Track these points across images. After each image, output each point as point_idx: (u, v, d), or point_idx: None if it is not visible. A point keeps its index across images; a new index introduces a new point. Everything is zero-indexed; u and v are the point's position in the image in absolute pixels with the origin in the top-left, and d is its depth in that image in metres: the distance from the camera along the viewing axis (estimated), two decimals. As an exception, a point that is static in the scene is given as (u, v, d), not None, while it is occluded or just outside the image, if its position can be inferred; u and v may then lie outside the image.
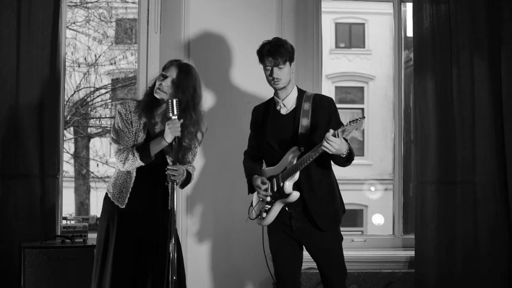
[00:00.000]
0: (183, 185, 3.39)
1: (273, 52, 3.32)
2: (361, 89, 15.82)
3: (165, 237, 3.14)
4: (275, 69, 3.33)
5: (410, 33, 4.42)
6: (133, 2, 12.03)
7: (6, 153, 3.91)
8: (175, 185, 3.13)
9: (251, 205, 3.53)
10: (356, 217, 14.66)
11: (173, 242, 3.04)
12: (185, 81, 3.24)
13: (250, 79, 4.21)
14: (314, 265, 3.55)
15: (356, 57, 15.68)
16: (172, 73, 3.25)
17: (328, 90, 14.14)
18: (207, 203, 4.23)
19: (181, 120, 3.17)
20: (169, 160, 3.28)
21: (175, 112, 3.13)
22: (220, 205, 4.22)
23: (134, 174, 3.29)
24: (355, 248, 4.33)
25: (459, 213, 4.18)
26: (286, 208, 3.36)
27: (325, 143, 3.10)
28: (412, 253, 4.25)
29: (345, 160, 3.26)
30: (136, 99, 3.44)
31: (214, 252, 4.22)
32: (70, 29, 11.52)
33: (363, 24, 15.76)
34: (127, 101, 3.36)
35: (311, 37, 4.27)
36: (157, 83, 3.26)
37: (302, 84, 4.19)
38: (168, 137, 3.16)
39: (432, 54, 4.22)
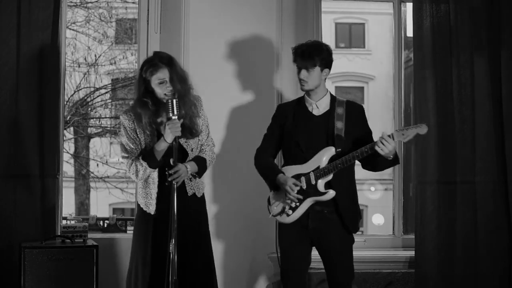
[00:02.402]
0: (200, 173, 3.37)
1: (304, 55, 3.36)
2: (361, 89, 15.83)
3: (200, 232, 3.35)
4: (303, 71, 3.37)
5: (410, 33, 4.41)
6: (133, 2, 12.03)
7: (6, 153, 3.90)
8: (175, 185, 3.13)
9: (269, 202, 3.51)
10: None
11: (173, 242, 3.03)
12: (176, 72, 3.28)
13: (250, 79, 4.21)
14: (315, 265, 3.54)
15: (356, 57, 15.69)
16: (165, 74, 3.25)
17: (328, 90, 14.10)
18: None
19: (181, 120, 3.18)
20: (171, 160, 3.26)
21: (175, 112, 3.14)
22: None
23: (156, 180, 3.31)
24: (355, 248, 4.29)
25: (459, 213, 4.17)
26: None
27: (380, 144, 3.21)
28: (412, 253, 4.24)
29: (391, 162, 3.34)
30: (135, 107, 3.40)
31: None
32: (70, 29, 11.52)
33: (363, 24, 15.77)
34: (129, 110, 3.37)
35: (311, 37, 4.26)
36: (161, 91, 3.24)
37: (302, 84, 4.20)
38: (169, 137, 3.16)
39: (432, 54, 4.22)
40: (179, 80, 3.28)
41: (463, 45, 4.20)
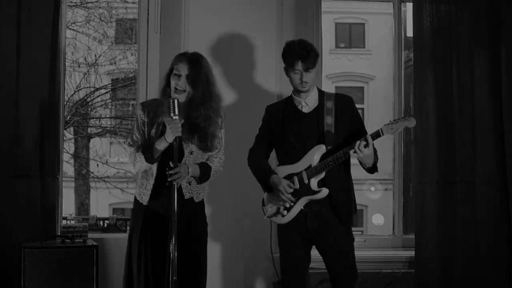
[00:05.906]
0: (201, 180, 3.34)
1: (305, 57, 3.32)
2: (361, 89, 15.83)
3: (190, 231, 3.27)
4: (305, 73, 3.34)
5: (410, 33, 4.41)
6: (133, 2, 12.03)
7: (6, 153, 3.90)
8: (175, 185, 3.12)
9: (263, 203, 3.50)
10: (356, 217, 14.65)
11: (173, 242, 3.03)
12: (198, 74, 3.27)
13: (250, 79, 4.21)
14: (315, 265, 3.54)
15: (356, 57, 15.68)
16: (184, 70, 3.26)
17: (328, 90, 14.10)
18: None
19: (182, 120, 3.17)
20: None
21: (176, 112, 3.13)
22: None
23: (155, 172, 3.30)
24: (355, 248, 4.32)
25: (459, 213, 4.17)
26: (302, 207, 3.37)
27: (355, 148, 3.20)
28: (412, 253, 4.24)
29: (369, 170, 3.35)
30: (156, 98, 3.44)
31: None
32: (70, 29, 11.53)
33: (363, 24, 15.77)
34: (147, 101, 3.43)
35: (311, 37, 4.26)
36: (173, 83, 3.27)
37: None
38: (169, 137, 3.15)
39: (432, 54, 4.22)
40: (199, 83, 3.26)
41: (463, 45, 4.21)
